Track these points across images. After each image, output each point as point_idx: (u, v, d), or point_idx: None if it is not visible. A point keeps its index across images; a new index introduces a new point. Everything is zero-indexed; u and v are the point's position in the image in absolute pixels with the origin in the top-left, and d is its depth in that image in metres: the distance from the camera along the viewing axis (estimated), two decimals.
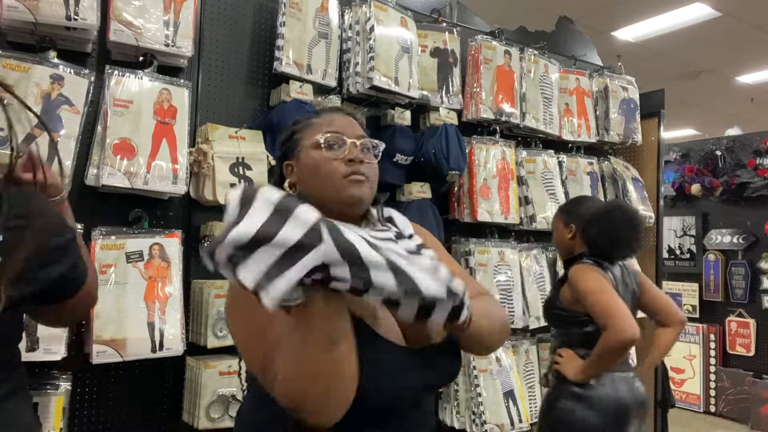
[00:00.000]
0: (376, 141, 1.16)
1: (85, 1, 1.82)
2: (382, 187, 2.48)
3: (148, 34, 1.98)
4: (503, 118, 2.86)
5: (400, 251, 0.87)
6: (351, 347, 0.88)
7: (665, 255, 5.73)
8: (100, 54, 2.03)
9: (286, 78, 2.26)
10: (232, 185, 2.07)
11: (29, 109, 1.16)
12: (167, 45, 2.01)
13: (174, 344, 1.93)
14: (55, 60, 1.86)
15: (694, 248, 5.70)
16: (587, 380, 2.02)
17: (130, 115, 1.94)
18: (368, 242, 0.84)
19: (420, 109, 2.69)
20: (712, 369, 5.48)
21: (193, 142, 2.13)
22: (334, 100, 2.41)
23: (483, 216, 2.73)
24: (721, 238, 5.44)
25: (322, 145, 1.10)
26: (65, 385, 1.83)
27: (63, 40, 1.91)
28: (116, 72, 1.95)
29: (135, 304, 1.89)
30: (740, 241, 5.30)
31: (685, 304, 5.69)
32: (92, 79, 1.91)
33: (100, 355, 1.80)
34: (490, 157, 2.82)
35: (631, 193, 3.30)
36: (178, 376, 2.08)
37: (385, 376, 0.98)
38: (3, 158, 1.72)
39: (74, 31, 1.87)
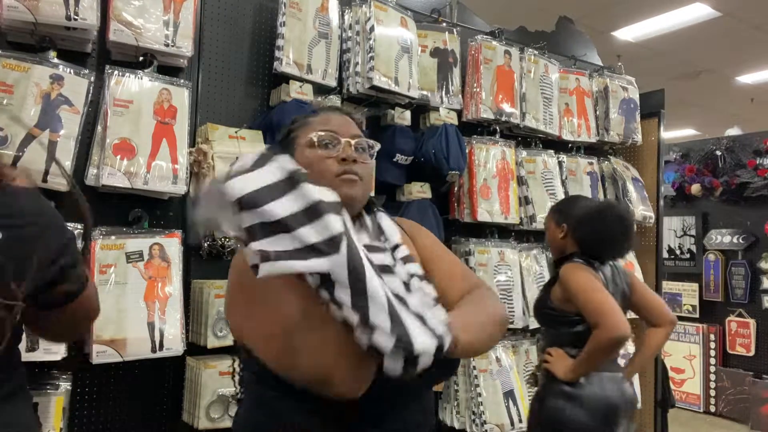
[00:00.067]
0: (371, 141, 1.16)
1: (85, 1, 1.82)
2: (382, 187, 2.48)
3: (148, 34, 1.98)
4: (503, 118, 2.86)
5: (398, 287, 0.89)
6: None
7: (665, 255, 5.73)
8: (100, 54, 2.03)
9: (286, 78, 2.26)
10: None
11: None
12: (167, 45, 2.01)
13: (174, 344, 1.93)
14: (55, 60, 1.86)
15: (694, 248, 5.69)
16: (577, 379, 2.02)
17: (130, 115, 1.94)
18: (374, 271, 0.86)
19: (420, 109, 2.69)
20: (712, 369, 5.48)
21: (193, 142, 2.13)
22: (334, 100, 2.41)
23: (483, 216, 2.73)
24: (721, 238, 5.44)
25: (316, 144, 1.11)
26: (65, 385, 1.83)
27: (63, 40, 1.91)
28: (116, 72, 1.95)
29: (135, 304, 1.89)
30: (740, 241, 5.30)
31: (685, 304, 5.69)
32: (92, 79, 1.91)
33: (100, 355, 1.80)
34: (490, 157, 2.82)
35: (631, 193, 3.30)
36: (178, 376, 2.08)
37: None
38: (1, 157, 1.73)
39: (74, 31, 1.87)
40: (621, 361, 2.25)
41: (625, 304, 2.16)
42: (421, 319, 0.88)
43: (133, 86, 1.97)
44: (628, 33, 6.30)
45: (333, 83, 2.39)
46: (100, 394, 1.97)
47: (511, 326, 2.78)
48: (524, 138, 3.13)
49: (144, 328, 1.88)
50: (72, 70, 1.88)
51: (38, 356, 1.72)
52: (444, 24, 2.84)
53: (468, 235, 2.80)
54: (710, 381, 5.47)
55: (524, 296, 2.85)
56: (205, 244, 2.12)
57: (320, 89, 2.37)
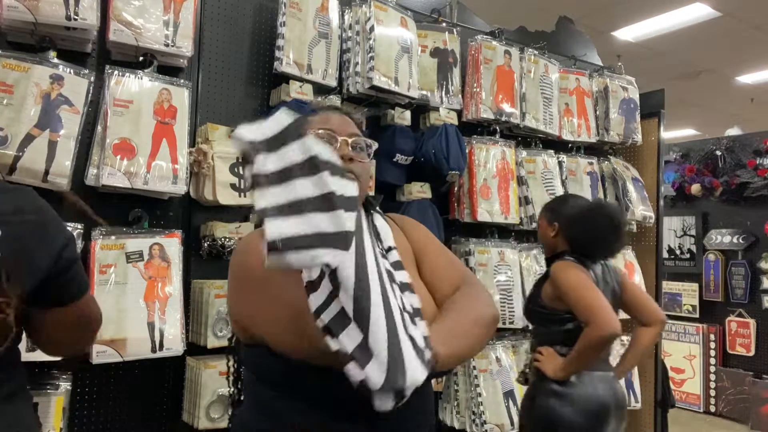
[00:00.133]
0: (369, 140, 1.17)
1: (84, 1, 1.82)
2: (382, 187, 2.48)
3: (148, 34, 1.98)
4: (503, 118, 2.86)
5: (395, 307, 0.91)
6: None
7: (665, 255, 5.73)
8: (100, 54, 2.03)
9: (286, 78, 2.26)
10: (232, 185, 2.07)
11: None
12: (167, 45, 2.01)
13: (174, 344, 1.93)
14: (55, 60, 1.86)
15: (694, 248, 5.69)
16: (567, 377, 2.03)
17: (130, 115, 1.94)
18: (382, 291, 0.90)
19: (420, 109, 2.69)
20: (712, 369, 5.48)
21: (193, 142, 2.13)
22: (334, 100, 2.41)
23: (483, 216, 2.73)
24: (721, 238, 5.43)
25: None
26: (65, 385, 1.83)
27: (63, 40, 1.91)
28: (116, 72, 1.95)
29: (135, 304, 1.89)
30: (740, 241, 5.30)
31: (685, 304, 5.69)
32: (92, 79, 1.91)
33: (100, 355, 1.80)
34: (490, 157, 2.82)
35: (631, 193, 3.30)
36: (178, 376, 2.08)
37: None
38: (2, 157, 1.73)
39: (74, 31, 1.87)
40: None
41: (615, 303, 2.16)
42: (412, 340, 0.90)
43: (133, 86, 1.97)
44: (628, 33, 6.30)
45: (333, 83, 2.39)
46: (100, 394, 1.97)
47: (511, 326, 2.78)
48: (524, 138, 3.13)
49: (144, 328, 1.88)
50: (72, 70, 1.88)
51: (38, 356, 1.71)
52: (444, 24, 2.84)
53: (468, 235, 2.80)
54: (710, 381, 5.47)
55: (524, 296, 2.84)
56: (205, 244, 2.12)
57: (320, 89, 2.37)
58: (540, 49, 3.16)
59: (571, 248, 2.13)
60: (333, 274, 0.88)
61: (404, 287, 1.03)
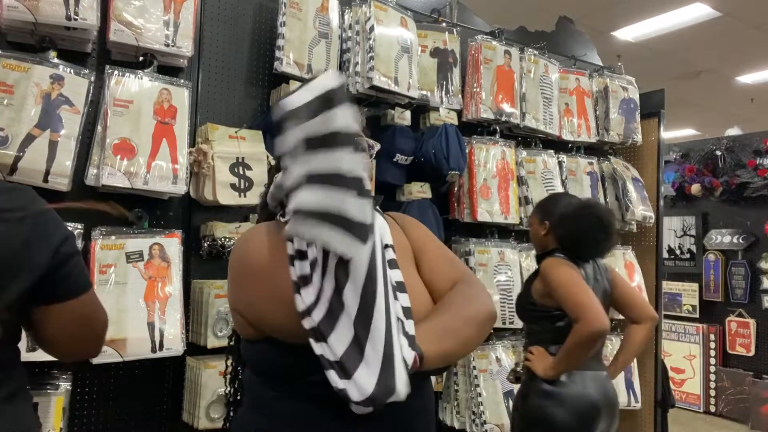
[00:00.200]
0: (371, 141, 1.19)
1: (85, 1, 1.82)
2: (383, 187, 2.48)
3: (149, 34, 1.98)
4: (503, 118, 2.86)
5: (393, 313, 0.95)
6: None
7: (665, 255, 5.72)
8: (100, 54, 2.03)
9: (286, 78, 2.26)
10: (232, 185, 2.07)
11: None
12: (167, 45, 2.01)
13: (174, 344, 1.93)
14: (55, 60, 1.86)
15: (694, 248, 5.69)
16: (557, 376, 2.03)
17: (130, 115, 1.94)
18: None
19: (420, 109, 2.69)
20: (712, 369, 5.48)
21: (193, 142, 2.13)
22: None
23: (483, 216, 2.73)
24: (721, 238, 5.43)
25: None
26: (65, 385, 1.83)
27: (63, 40, 1.91)
28: (116, 72, 1.95)
29: (135, 304, 1.89)
30: (740, 241, 5.30)
31: (685, 304, 5.69)
32: (92, 79, 1.91)
33: (100, 355, 1.78)
34: (490, 157, 2.82)
35: (631, 193, 3.29)
36: (178, 376, 2.08)
37: None
38: (2, 158, 1.73)
39: (74, 31, 1.87)
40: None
41: (606, 302, 2.17)
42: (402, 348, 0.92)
43: (133, 86, 1.97)
44: (628, 33, 6.30)
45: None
46: (100, 394, 1.97)
47: (511, 326, 2.78)
48: (524, 138, 3.13)
49: (144, 328, 1.88)
50: (72, 70, 1.88)
51: (38, 356, 1.71)
52: (444, 24, 2.84)
53: (468, 235, 2.80)
54: (710, 381, 5.47)
55: None
56: (205, 244, 2.12)
57: None
58: (540, 49, 3.16)
59: (561, 247, 2.14)
60: (337, 265, 0.88)
61: (398, 287, 1.05)
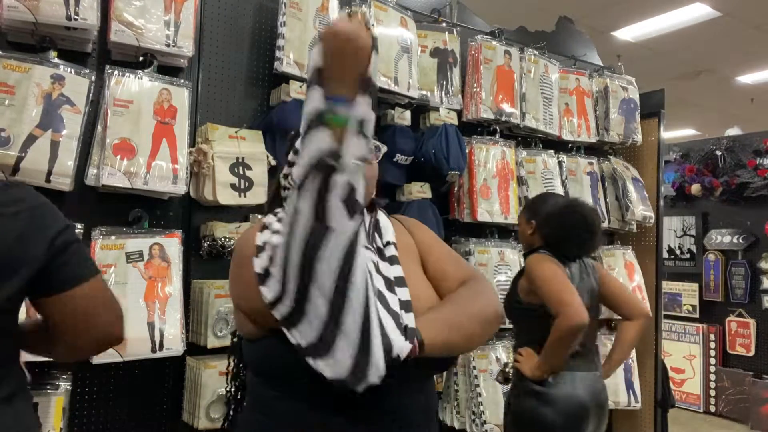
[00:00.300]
0: (378, 143, 1.21)
1: (85, 1, 1.82)
2: (383, 187, 2.48)
3: (149, 35, 1.98)
4: (503, 118, 2.86)
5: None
6: None
7: (665, 255, 5.72)
8: (101, 54, 2.03)
9: (286, 78, 2.26)
10: (232, 185, 2.08)
11: None
12: (168, 45, 2.01)
13: (174, 344, 1.93)
14: (56, 60, 1.86)
15: (694, 248, 5.69)
16: (544, 375, 2.03)
17: (130, 115, 1.95)
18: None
19: (420, 109, 2.69)
20: (712, 369, 5.47)
21: (193, 142, 2.13)
22: None
23: (483, 216, 2.73)
24: (721, 238, 5.43)
25: None
26: (65, 385, 1.83)
27: (63, 40, 1.91)
28: (116, 72, 1.95)
29: (135, 304, 1.89)
30: (740, 241, 5.30)
31: (685, 304, 5.69)
32: (93, 78, 1.92)
33: (100, 355, 1.79)
34: (490, 157, 2.82)
35: (631, 193, 3.30)
36: (178, 376, 2.08)
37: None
38: (4, 158, 1.73)
39: (74, 31, 1.87)
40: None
41: (594, 300, 2.19)
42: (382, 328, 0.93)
43: (133, 86, 1.97)
44: (628, 33, 6.30)
45: None
46: (100, 394, 1.97)
47: (511, 326, 2.77)
48: (524, 138, 3.13)
49: (144, 328, 1.88)
50: (73, 70, 1.88)
51: (38, 356, 1.72)
52: (444, 24, 2.84)
53: (468, 235, 2.80)
54: (710, 381, 5.47)
55: None
56: (205, 244, 2.12)
57: None
58: (540, 49, 3.16)
59: (547, 245, 2.16)
60: (310, 236, 0.91)
61: (397, 281, 1.05)
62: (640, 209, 3.32)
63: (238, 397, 1.25)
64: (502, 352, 2.75)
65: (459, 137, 2.65)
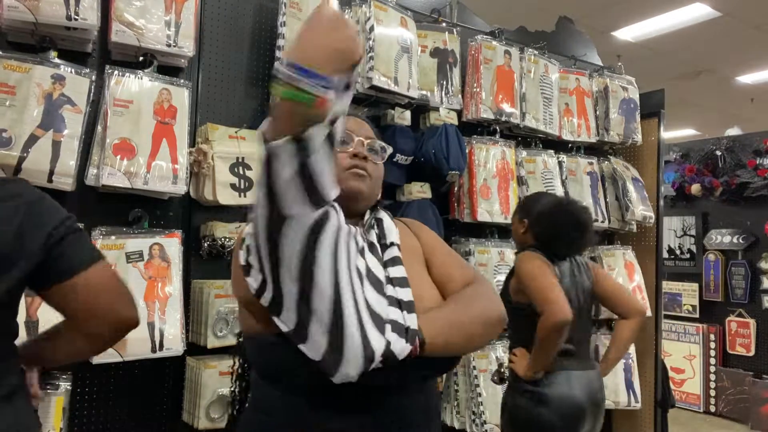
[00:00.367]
0: (384, 144, 1.23)
1: (85, 1, 1.82)
2: (383, 187, 2.48)
3: (150, 35, 1.98)
4: (503, 118, 2.86)
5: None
6: None
7: (665, 255, 5.72)
8: (100, 54, 2.03)
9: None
10: (232, 185, 2.08)
11: None
12: (169, 45, 2.01)
13: (174, 344, 1.93)
14: (56, 60, 1.86)
15: (694, 248, 5.69)
16: (536, 374, 2.04)
17: (130, 115, 1.95)
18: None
19: (420, 109, 2.69)
20: (712, 369, 5.47)
21: (193, 142, 2.13)
22: None
23: (483, 216, 2.73)
24: (721, 238, 5.43)
25: None
26: (65, 385, 1.83)
27: (63, 40, 1.91)
28: (116, 72, 1.95)
29: None
30: (740, 241, 5.30)
31: (685, 304, 5.69)
32: (93, 78, 1.92)
33: (100, 354, 1.79)
34: (490, 157, 2.82)
35: (631, 193, 3.30)
36: (178, 376, 2.08)
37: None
38: (6, 159, 1.73)
39: (74, 31, 1.87)
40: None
41: (587, 299, 2.20)
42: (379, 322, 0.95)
43: (133, 86, 1.97)
44: (628, 33, 6.30)
45: None
46: (100, 394, 1.97)
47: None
48: (524, 138, 3.13)
49: (144, 328, 1.88)
50: (73, 70, 1.88)
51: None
52: (444, 24, 2.84)
53: (468, 235, 2.80)
54: (710, 381, 5.47)
55: None
56: (205, 244, 2.12)
57: None
58: (540, 49, 3.16)
59: (539, 244, 2.17)
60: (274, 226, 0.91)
61: (397, 281, 1.06)
62: (640, 209, 3.32)
63: (242, 397, 1.25)
64: (501, 353, 2.75)
65: (459, 137, 2.65)
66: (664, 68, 7.01)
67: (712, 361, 5.48)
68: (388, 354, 0.93)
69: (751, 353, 5.25)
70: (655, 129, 3.58)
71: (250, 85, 2.34)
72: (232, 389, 1.27)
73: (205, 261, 2.15)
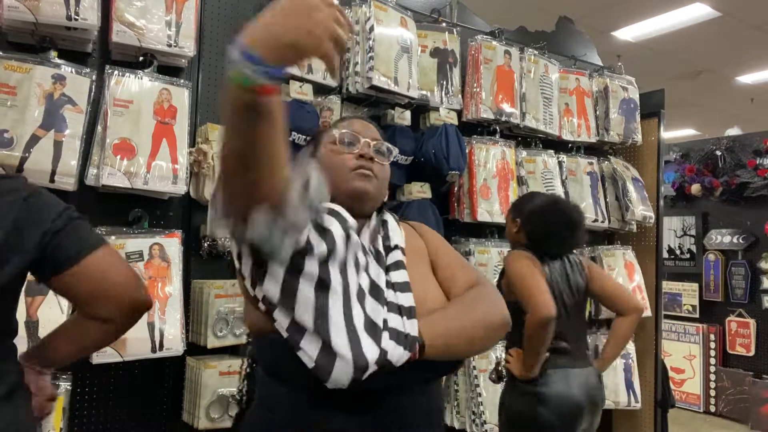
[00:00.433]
0: (391, 146, 1.24)
1: (85, 1, 1.82)
2: None
3: (151, 35, 1.98)
4: (503, 118, 2.86)
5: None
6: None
7: (665, 255, 5.72)
8: (101, 54, 2.03)
9: (286, 78, 2.26)
10: None
11: None
12: (170, 45, 2.01)
13: (174, 344, 1.93)
14: (57, 60, 1.86)
15: (694, 248, 5.69)
16: (530, 373, 2.04)
17: (130, 115, 1.95)
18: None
19: (420, 109, 2.69)
20: (712, 369, 5.47)
21: (193, 142, 2.13)
22: (334, 100, 2.41)
23: (483, 216, 2.73)
24: (721, 238, 5.43)
25: (338, 141, 1.18)
26: (65, 385, 1.83)
27: (63, 40, 1.91)
28: (116, 72, 1.95)
29: None
30: (740, 241, 5.30)
31: (685, 304, 5.69)
32: (93, 77, 1.92)
33: (100, 355, 1.80)
34: (490, 157, 2.82)
35: (631, 193, 3.30)
36: (178, 376, 2.08)
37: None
38: (8, 159, 1.73)
39: (75, 31, 1.87)
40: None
41: (580, 296, 2.21)
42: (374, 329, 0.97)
43: (133, 86, 1.97)
44: (628, 33, 6.30)
45: (333, 83, 2.39)
46: (100, 394, 1.97)
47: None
48: (524, 138, 3.13)
49: (144, 328, 1.88)
50: (74, 70, 1.88)
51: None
52: (444, 24, 2.84)
53: (468, 235, 2.80)
54: (710, 381, 5.47)
55: None
56: (205, 244, 2.12)
57: (320, 89, 2.37)
58: (540, 49, 3.16)
59: (530, 243, 2.19)
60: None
61: (398, 286, 1.06)
62: (640, 209, 3.32)
63: (250, 396, 1.25)
64: (502, 353, 2.75)
65: (459, 137, 2.65)
66: (664, 68, 7.01)
67: (712, 361, 5.48)
68: (383, 363, 0.94)
69: (751, 353, 5.25)
70: (655, 129, 3.58)
71: None
72: (240, 389, 1.27)
73: (205, 261, 2.15)
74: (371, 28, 2.40)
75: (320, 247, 0.99)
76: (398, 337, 0.98)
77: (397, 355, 0.95)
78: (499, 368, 2.25)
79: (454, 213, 2.80)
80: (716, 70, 7.27)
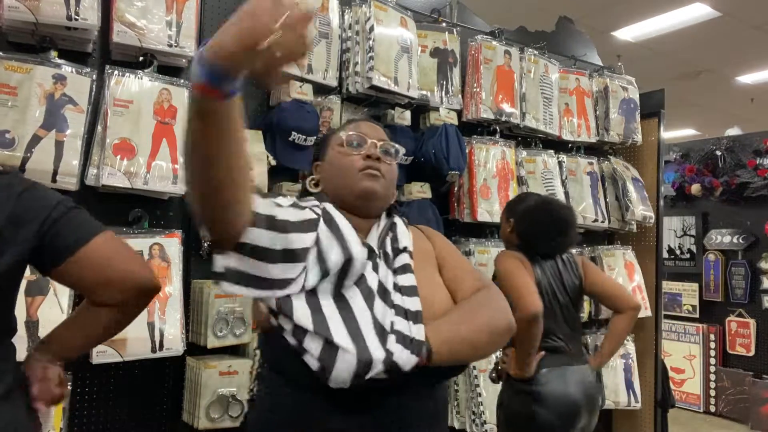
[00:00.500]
0: (398, 146, 1.26)
1: (85, 1, 1.82)
2: None
3: (151, 35, 1.98)
4: (503, 118, 2.86)
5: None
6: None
7: (665, 255, 5.72)
8: (101, 53, 2.03)
9: (286, 78, 2.25)
10: None
11: None
12: (170, 45, 2.01)
13: (174, 344, 1.93)
14: (57, 60, 1.86)
15: (694, 248, 5.69)
16: (524, 372, 2.04)
17: (130, 115, 1.95)
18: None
19: (420, 109, 2.69)
20: (712, 369, 5.47)
21: None
22: (334, 100, 2.41)
23: (483, 216, 2.73)
24: (721, 238, 5.43)
25: (345, 142, 1.20)
26: None
27: (63, 40, 1.91)
28: (116, 72, 1.95)
29: None
30: (740, 241, 5.30)
31: (685, 304, 5.69)
32: (94, 77, 1.92)
33: (100, 355, 1.80)
34: (490, 157, 2.82)
35: (631, 193, 3.30)
36: (178, 376, 2.08)
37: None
38: (10, 160, 1.73)
39: (75, 31, 1.87)
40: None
41: (575, 295, 2.22)
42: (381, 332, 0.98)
43: (133, 86, 1.97)
44: (628, 33, 6.29)
45: (334, 83, 2.39)
46: (100, 394, 1.97)
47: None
48: (524, 138, 3.13)
49: (144, 328, 1.88)
50: (74, 70, 1.88)
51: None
52: (444, 24, 2.84)
53: (468, 235, 2.81)
54: (710, 381, 5.47)
55: None
56: (205, 244, 2.12)
57: (320, 89, 2.37)
58: (540, 49, 3.16)
59: (522, 243, 2.20)
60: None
61: (405, 290, 1.06)
62: (640, 209, 3.32)
63: (258, 395, 1.25)
64: (500, 352, 2.75)
65: (459, 137, 2.65)
66: (664, 68, 7.01)
67: (712, 361, 5.48)
68: (390, 365, 0.95)
69: (751, 353, 5.24)
70: (655, 129, 3.58)
71: (249, 85, 2.33)
72: (251, 388, 1.26)
73: (205, 261, 2.15)
74: (371, 28, 2.40)
75: (313, 275, 1.01)
76: (404, 340, 0.98)
77: (404, 358, 0.96)
78: (499, 368, 2.26)
79: (454, 213, 2.80)
80: (716, 70, 7.27)
